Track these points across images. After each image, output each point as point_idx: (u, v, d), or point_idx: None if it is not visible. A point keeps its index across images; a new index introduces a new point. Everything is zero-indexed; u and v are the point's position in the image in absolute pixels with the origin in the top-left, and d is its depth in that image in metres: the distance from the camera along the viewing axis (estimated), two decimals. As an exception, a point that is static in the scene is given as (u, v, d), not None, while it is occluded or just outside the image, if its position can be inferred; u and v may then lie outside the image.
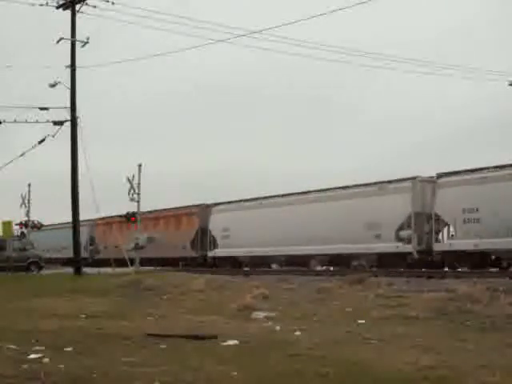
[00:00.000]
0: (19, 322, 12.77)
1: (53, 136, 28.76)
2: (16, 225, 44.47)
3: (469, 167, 26.73)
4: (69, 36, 28.39)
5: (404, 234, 27.64)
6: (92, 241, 50.59)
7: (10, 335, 10.62)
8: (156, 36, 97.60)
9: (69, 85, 28.37)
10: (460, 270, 24.78)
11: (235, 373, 7.75)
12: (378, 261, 28.73)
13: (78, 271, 28.33)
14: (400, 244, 27.63)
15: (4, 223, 34.24)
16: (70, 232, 29.74)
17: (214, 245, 38.66)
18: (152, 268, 34.64)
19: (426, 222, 27.36)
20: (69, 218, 29.98)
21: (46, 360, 8.48)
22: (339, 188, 31.91)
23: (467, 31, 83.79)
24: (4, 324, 12.25)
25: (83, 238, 48.57)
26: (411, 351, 9.15)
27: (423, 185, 27.98)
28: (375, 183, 30.19)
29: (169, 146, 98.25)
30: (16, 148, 60.38)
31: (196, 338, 10.50)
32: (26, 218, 49.11)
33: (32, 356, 8.75)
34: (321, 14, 36.76)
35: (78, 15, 28.26)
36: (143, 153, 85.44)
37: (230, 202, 39.26)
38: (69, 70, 28.38)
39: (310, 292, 17.28)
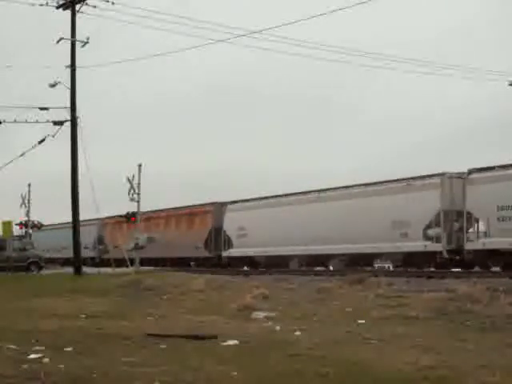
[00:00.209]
0: (19, 322, 12.76)
1: (53, 136, 28.82)
2: (16, 225, 44.56)
3: (501, 162, 25.35)
4: (69, 36, 28.40)
5: (432, 232, 26.64)
6: (101, 240, 49.72)
7: (10, 335, 10.62)
8: (156, 36, 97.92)
9: (69, 85, 28.38)
10: (493, 269, 24.10)
11: (235, 373, 7.75)
12: (403, 260, 28.02)
13: (77, 271, 28.34)
14: (428, 243, 26.66)
15: (4, 223, 34.24)
16: (70, 232, 29.75)
17: (229, 244, 37.53)
18: (152, 268, 34.68)
19: (455, 219, 26.38)
20: (69, 218, 29.99)
21: (46, 360, 8.48)
22: (362, 185, 30.89)
23: (467, 31, 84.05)
24: (4, 324, 12.24)
25: (91, 237, 48.65)
26: (411, 351, 9.15)
27: (452, 181, 26.84)
28: (401, 180, 28.98)
29: (169, 146, 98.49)
30: (16, 148, 60.46)
31: (196, 337, 10.49)
32: (26, 218, 49.20)
33: (32, 356, 8.74)
34: (321, 14, 36.74)
35: (78, 15, 28.29)
36: (143, 153, 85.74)
37: (245, 200, 38.01)
38: (69, 70, 28.41)
39: (310, 292, 17.27)
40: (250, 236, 35.75)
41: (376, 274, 20.55)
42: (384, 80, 77.45)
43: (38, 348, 9.40)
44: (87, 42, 28.52)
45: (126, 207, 35.20)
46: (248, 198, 38.44)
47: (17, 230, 46.33)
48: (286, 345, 9.81)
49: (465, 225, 25.89)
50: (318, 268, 32.09)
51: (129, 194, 33.97)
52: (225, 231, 37.97)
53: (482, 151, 63.26)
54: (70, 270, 30.85)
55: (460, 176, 26.72)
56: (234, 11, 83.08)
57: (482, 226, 25.72)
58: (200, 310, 15.37)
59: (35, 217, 50.59)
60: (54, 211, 69.87)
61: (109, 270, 31.34)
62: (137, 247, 35.04)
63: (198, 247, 38.90)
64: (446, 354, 8.83)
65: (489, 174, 25.38)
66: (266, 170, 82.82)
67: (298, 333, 11.26)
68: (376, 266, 31.40)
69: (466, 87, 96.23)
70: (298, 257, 33.34)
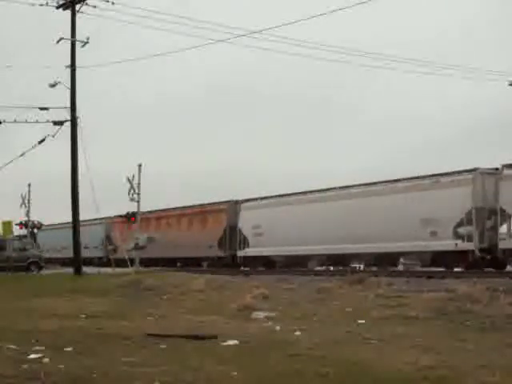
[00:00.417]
0: (19, 322, 12.76)
1: (53, 136, 28.87)
2: (16, 225, 44.59)
3: (502, 162, 24.93)
4: (69, 36, 28.43)
5: (463, 230, 25.71)
6: (109, 240, 48.27)
7: (10, 335, 10.61)
8: (156, 36, 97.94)
9: (69, 85, 28.41)
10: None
11: (235, 373, 7.74)
12: (432, 259, 27.29)
13: (77, 271, 28.35)
14: (459, 241, 25.71)
15: (4, 223, 34.34)
16: (70, 232, 29.75)
17: (245, 244, 36.38)
18: (152, 268, 34.67)
19: (487, 217, 25.38)
20: (69, 218, 29.99)
21: (46, 360, 8.48)
22: (387, 182, 29.89)
23: (467, 31, 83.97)
24: (4, 324, 12.24)
25: (98, 236, 48.24)
26: (411, 351, 9.15)
27: (484, 177, 25.80)
28: (430, 176, 27.93)
29: (169, 146, 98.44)
30: (16, 148, 60.34)
31: (196, 337, 10.49)
32: (26, 218, 49.19)
33: (32, 356, 8.74)
34: (321, 14, 36.59)
35: (77, 15, 28.33)
36: (143, 153, 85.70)
37: (261, 198, 36.87)
38: (69, 70, 28.44)
39: (310, 292, 17.28)
40: (266, 235, 34.58)
41: (376, 274, 20.57)
42: (384, 80, 77.50)
43: (37, 348, 9.40)
44: (87, 42, 28.58)
45: (126, 207, 35.29)
46: (263, 195, 37.23)
47: (17, 230, 46.43)
48: (286, 345, 9.81)
49: (498, 223, 24.91)
50: (318, 268, 31.98)
51: (129, 193, 34.03)
52: (240, 230, 36.77)
53: (482, 151, 63.23)
54: (70, 270, 30.87)
55: (493, 172, 25.86)
56: (234, 11, 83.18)
57: None
58: (200, 310, 15.37)
59: (35, 217, 50.72)
60: (54, 211, 69.90)
61: (109, 270, 31.36)
62: (137, 247, 35.06)
63: (212, 246, 37.99)
64: (446, 354, 8.83)
65: None
66: (266, 170, 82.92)
67: (298, 333, 11.26)
68: (399, 265, 30.23)
69: (466, 87, 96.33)
70: (318, 256, 32.36)
